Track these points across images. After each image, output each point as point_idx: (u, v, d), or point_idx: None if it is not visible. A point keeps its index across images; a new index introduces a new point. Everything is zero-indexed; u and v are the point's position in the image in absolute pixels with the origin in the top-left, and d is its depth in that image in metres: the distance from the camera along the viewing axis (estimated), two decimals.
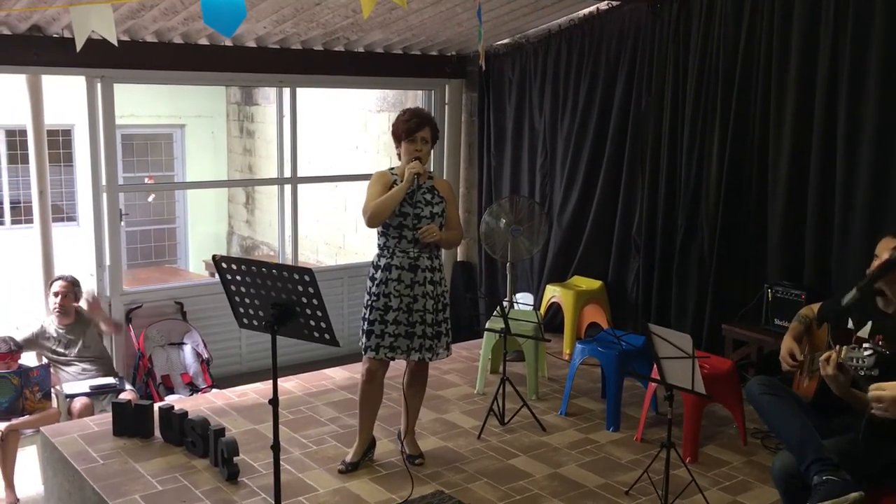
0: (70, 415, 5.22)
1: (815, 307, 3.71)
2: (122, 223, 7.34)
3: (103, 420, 4.74)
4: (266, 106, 10.74)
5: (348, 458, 4.19)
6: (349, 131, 9.27)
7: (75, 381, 5.50)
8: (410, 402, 4.25)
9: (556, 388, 5.40)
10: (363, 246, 8.86)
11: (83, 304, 5.75)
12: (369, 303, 4.04)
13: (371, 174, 4.17)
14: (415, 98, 7.94)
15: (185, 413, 4.44)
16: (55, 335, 5.61)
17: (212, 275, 8.53)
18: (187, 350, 6.25)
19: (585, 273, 6.44)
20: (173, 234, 11.98)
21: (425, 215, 4.01)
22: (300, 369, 5.83)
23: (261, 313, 3.18)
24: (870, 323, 3.34)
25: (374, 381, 4.12)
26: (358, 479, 4.08)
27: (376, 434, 4.32)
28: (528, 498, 3.92)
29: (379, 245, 4.10)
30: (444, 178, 7.31)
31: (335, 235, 9.69)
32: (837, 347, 3.07)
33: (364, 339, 4.03)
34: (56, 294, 5.62)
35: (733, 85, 5.27)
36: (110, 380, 5.55)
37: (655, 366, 3.71)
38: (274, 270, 3.07)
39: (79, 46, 3.35)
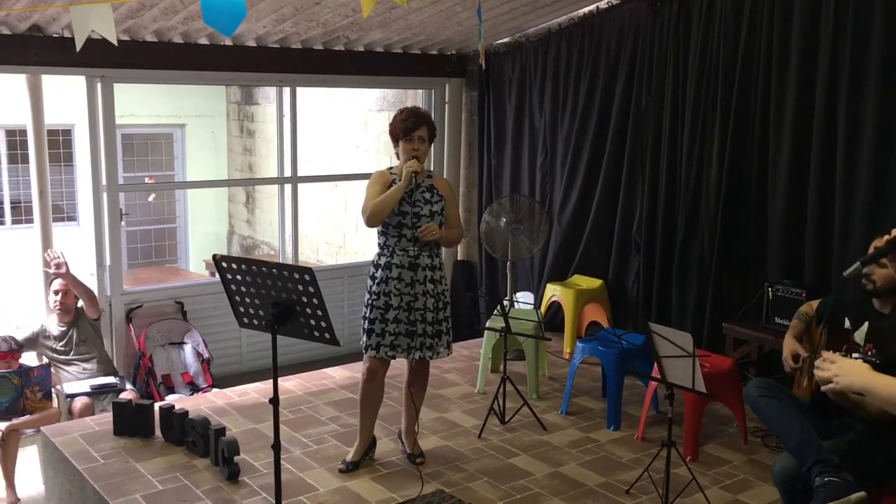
0: (71, 414, 5.23)
1: (815, 304, 3.71)
2: (123, 223, 7.35)
3: (104, 420, 4.74)
4: (266, 105, 10.74)
5: (349, 458, 4.19)
6: (349, 131, 9.27)
7: (76, 381, 5.50)
8: (411, 402, 4.25)
9: (556, 387, 5.40)
10: (363, 245, 8.86)
11: (52, 271, 5.65)
12: (370, 302, 4.04)
13: (371, 173, 4.17)
14: (415, 97, 7.94)
15: (186, 412, 4.44)
16: (56, 334, 5.61)
17: (212, 274, 8.52)
18: (188, 349, 6.25)
19: (586, 272, 6.43)
20: (173, 234, 11.97)
21: (424, 214, 4.01)
22: (300, 368, 5.84)
23: (261, 313, 3.18)
24: (866, 323, 3.34)
25: (374, 381, 4.12)
26: (358, 479, 4.08)
27: (377, 433, 4.32)
28: (529, 497, 3.92)
29: (379, 244, 4.11)
30: (444, 177, 7.30)
31: (335, 235, 9.69)
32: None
33: (365, 338, 4.04)
34: (56, 292, 5.62)
35: (733, 84, 5.27)
36: (111, 379, 5.55)
37: (656, 364, 3.71)
38: (274, 270, 3.07)
39: (79, 46, 3.35)
